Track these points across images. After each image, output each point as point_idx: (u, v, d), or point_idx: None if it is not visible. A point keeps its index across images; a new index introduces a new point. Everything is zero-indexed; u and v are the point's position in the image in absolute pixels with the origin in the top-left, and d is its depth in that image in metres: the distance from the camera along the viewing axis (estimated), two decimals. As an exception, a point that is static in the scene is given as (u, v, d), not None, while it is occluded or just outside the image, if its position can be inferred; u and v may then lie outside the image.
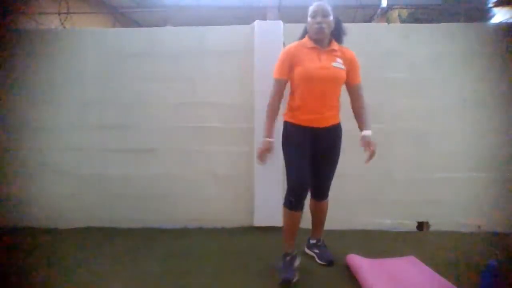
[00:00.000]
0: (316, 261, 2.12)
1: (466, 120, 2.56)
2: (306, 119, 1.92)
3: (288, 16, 2.71)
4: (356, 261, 1.99)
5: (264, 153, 1.94)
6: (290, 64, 1.90)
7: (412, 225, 2.63)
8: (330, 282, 1.90)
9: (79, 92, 2.66)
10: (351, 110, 2.09)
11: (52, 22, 3.18)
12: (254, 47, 2.54)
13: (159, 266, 2.09)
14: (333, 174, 2.07)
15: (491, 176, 2.56)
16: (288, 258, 1.94)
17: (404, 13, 5.25)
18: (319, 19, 1.84)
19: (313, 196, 2.12)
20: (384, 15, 5.82)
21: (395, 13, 5.36)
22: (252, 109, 2.57)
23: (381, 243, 2.40)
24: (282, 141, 2.01)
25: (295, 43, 1.96)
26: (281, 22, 2.57)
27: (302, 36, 1.99)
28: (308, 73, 1.86)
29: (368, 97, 2.55)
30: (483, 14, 4.50)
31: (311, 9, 1.88)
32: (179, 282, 1.91)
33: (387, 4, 5.41)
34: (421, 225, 2.63)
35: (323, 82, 1.87)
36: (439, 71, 2.54)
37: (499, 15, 4.38)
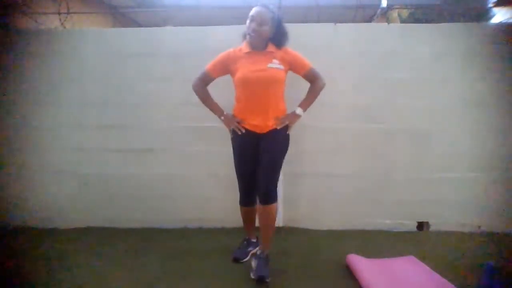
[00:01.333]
0: (249, 274, 1.95)
1: (466, 120, 2.56)
2: (250, 124, 1.99)
3: (288, 16, 2.70)
4: (356, 261, 1.99)
5: (234, 127, 2.01)
6: (224, 65, 1.99)
7: (412, 225, 2.63)
8: (330, 282, 1.90)
9: (79, 92, 2.66)
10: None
11: (52, 22, 3.18)
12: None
13: (159, 266, 2.09)
14: (274, 172, 1.98)
15: (491, 176, 2.56)
16: (244, 242, 2.25)
17: (404, 13, 5.25)
18: (253, 26, 1.87)
19: (259, 200, 1.99)
20: (384, 15, 5.82)
21: (395, 13, 5.35)
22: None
23: (381, 243, 2.40)
24: (232, 143, 2.11)
25: (234, 48, 2.01)
26: (281, 22, 2.57)
27: (243, 37, 2.02)
28: (244, 77, 1.92)
29: (368, 97, 2.57)
30: (483, 14, 4.50)
31: (250, 13, 1.90)
32: (179, 282, 1.91)
33: (387, 4, 5.40)
34: (421, 225, 2.63)
35: (260, 84, 1.91)
36: (439, 71, 2.54)
37: (499, 15, 4.38)
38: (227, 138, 2.64)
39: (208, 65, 2.04)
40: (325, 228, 2.61)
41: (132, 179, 2.69)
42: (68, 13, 2.83)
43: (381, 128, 2.59)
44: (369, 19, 6.33)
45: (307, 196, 2.65)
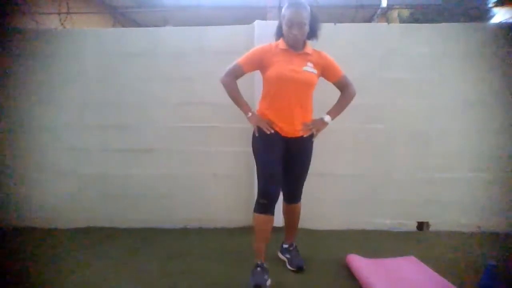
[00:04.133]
0: (287, 267, 2.07)
1: (466, 120, 2.56)
2: (277, 126, 1.89)
3: (288, 16, 2.70)
4: (356, 261, 1.99)
5: (263, 126, 1.88)
6: (259, 60, 1.89)
7: (412, 225, 2.63)
8: (330, 282, 1.90)
9: (79, 92, 2.66)
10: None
11: (52, 22, 3.18)
12: (254, 47, 2.54)
13: (159, 266, 2.09)
14: (304, 179, 2.03)
15: (491, 176, 2.56)
16: (258, 268, 1.87)
17: (405, 13, 5.25)
18: (294, 32, 1.79)
19: (284, 199, 2.09)
20: (384, 15, 5.82)
21: (395, 13, 5.36)
22: (252, 109, 2.56)
23: (381, 243, 2.40)
24: (253, 142, 1.97)
25: (271, 43, 1.94)
26: (281, 22, 2.57)
27: (277, 34, 1.95)
28: (279, 75, 1.83)
29: (368, 97, 2.57)
30: (483, 14, 4.50)
31: (287, 16, 1.79)
32: (179, 282, 1.91)
33: (387, 4, 5.40)
34: (421, 225, 2.63)
35: (294, 84, 1.83)
36: (439, 71, 2.54)
37: (499, 15, 4.38)
38: (227, 138, 2.65)
39: (241, 58, 1.92)
40: (325, 228, 2.61)
41: (132, 179, 2.69)
42: (68, 13, 2.83)
43: (381, 128, 2.59)
44: (369, 19, 6.34)
45: (307, 196, 2.63)
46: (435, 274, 1.86)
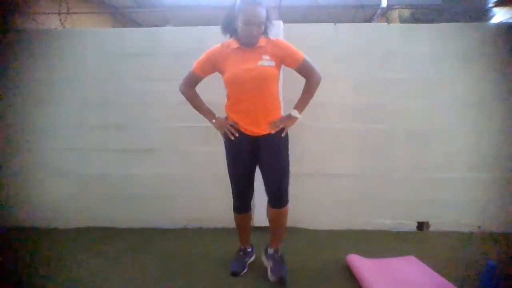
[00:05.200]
0: (267, 274, 1.93)
1: (466, 120, 2.56)
2: (243, 127, 1.85)
3: (288, 16, 2.70)
4: (356, 261, 1.99)
5: (227, 130, 1.86)
6: (212, 64, 1.85)
7: (412, 225, 2.63)
8: (330, 282, 1.90)
9: (79, 92, 2.66)
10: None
11: (52, 22, 3.18)
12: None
13: (159, 266, 2.09)
14: (283, 178, 1.87)
15: (491, 176, 2.56)
16: (240, 252, 2.11)
17: (405, 13, 5.25)
18: (252, 31, 1.71)
19: (268, 202, 1.93)
20: (384, 15, 5.82)
21: (395, 13, 5.36)
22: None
23: (381, 243, 2.40)
24: (225, 146, 1.95)
25: (223, 43, 1.86)
26: (281, 22, 2.57)
27: (226, 29, 1.85)
28: (233, 77, 1.77)
29: (368, 97, 2.57)
30: (483, 14, 4.50)
31: (245, 14, 1.69)
32: (179, 282, 1.91)
33: (387, 4, 5.41)
34: (421, 225, 2.63)
35: (250, 83, 1.76)
36: (439, 71, 2.54)
37: (499, 15, 4.38)
38: (227, 138, 2.65)
39: (194, 64, 1.90)
40: (325, 228, 2.61)
41: (132, 179, 2.69)
42: (68, 13, 2.83)
43: (381, 128, 2.59)
44: (369, 19, 6.34)
45: (307, 196, 2.65)
46: (435, 274, 1.86)
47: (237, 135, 1.85)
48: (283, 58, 1.82)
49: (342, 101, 2.56)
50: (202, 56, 1.89)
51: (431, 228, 2.62)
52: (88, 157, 2.69)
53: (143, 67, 2.63)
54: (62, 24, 2.86)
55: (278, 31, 2.55)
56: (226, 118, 1.93)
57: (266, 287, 1.87)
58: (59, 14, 2.83)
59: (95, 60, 2.65)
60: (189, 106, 2.63)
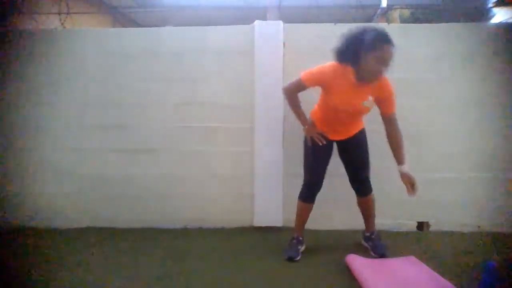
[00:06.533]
0: (370, 254, 2.18)
1: (466, 120, 2.56)
2: (329, 135, 2.08)
3: (288, 16, 2.71)
4: (356, 261, 1.99)
5: (316, 137, 2.04)
6: (322, 82, 1.94)
7: (412, 225, 2.63)
8: (330, 282, 1.90)
9: (79, 92, 2.66)
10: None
11: (52, 22, 3.18)
12: (254, 47, 2.54)
13: (159, 266, 2.09)
14: (365, 168, 2.16)
15: (491, 176, 2.56)
16: (294, 240, 2.20)
17: (405, 13, 5.26)
18: (382, 69, 1.76)
19: (356, 193, 2.22)
20: (384, 15, 5.82)
21: (395, 13, 5.36)
22: (252, 109, 2.57)
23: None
24: (305, 142, 2.14)
25: (337, 66, 1.87)
26: (281, 22, 2.57)
27: (344, 58, 1.83)
28: (338, 106, 1.93)
29: (368, 97, 2.56)
30: (483, 14, 4.50)
31: (383, 52, 1.73)
32: (179, 282, 1.91)
33: (387, 4, 5.41)
34: (421, 225, 2.63)
35: (350, 114, 1.98)
36: (439, 71, 2.54)
37: (499, 15, 4.38)
38: (227, 138, 2.65)
39: (306, 74, 1.94)
40: (325, 228, 2.61)
41: (132, 179, 2.69)
42: (68, 13, 2.84)
43: (381, 128, 2.58)
44: (369, 19, 6.34)
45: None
46: (435, 274, 1.86)
47: (324, 142, 2.04)
48: (381, 101, 1.95)
49: (342, 101, 2.55)
50: (315, 71, 1.94)
51: (431, 228, 2.62)
52: (88, 157, 2.69)
53: (143, 67, 2.63)
54: (62, 24, 2.87)
55: (278, 31, 2.55)
56: (313, 123, 2.09)
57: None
58: (59, 14, 2.84)
59: (95, 60, 2.65)
60: (188, 106, 2.65)
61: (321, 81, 1.93)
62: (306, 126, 2.09)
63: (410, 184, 1.94)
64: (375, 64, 1.73)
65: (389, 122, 2.00)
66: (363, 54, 1.75)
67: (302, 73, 1.96)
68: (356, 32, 1.78)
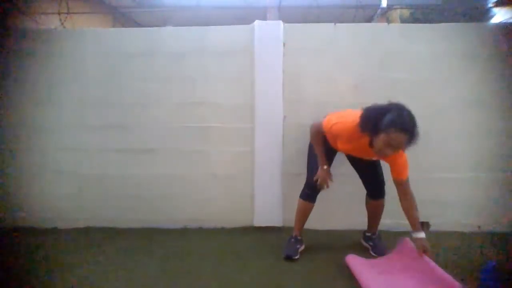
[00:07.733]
0: (370, 253, 2.21)
1: (466, 120, 2.56)
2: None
3: (288, 16, 2.71)
4: (356, 261, 1.99)
5: (324, 180, 2.10)
6: (338, 138, 2.02)
7: (412, 225, 2.63)
8: (330, 282, 1.90)
9: (79, 92, 2.66)
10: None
11: (52, 22, 3.18)
12: (254, 47, 2.54)
13: (159, 266, 2.09)
14: (378, 172, 2.17)
15: (491, 176, 2.56)
16: (292, 239, 2.21)
17: (405, 13, 5.26)
18: (389, 153, 1.77)
19: (368, 195, 2.25)
20: (384, 15, 5.83)
21: (395, 13, 5.36)
22: (252, 109, 2.57)
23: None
24: (310, 147, 2.19)
25: (356, 126, 1.83)
26: (281, 22, 2.57)
27: (365, 127, 1.81)
28: (345, 152, 2.12)
29: (368, 97, 2.55)
30: (483, 14, 4.50)
31: (390, 137, 1.71)
32: (179, 282, 1.91)
33: (387, 4, 5.41)
34: (421, 225, 2.62)
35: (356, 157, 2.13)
36: (439, 71, 2.54)
37: (499, 15, 4.38)
38: (227, 138, 2.65)
39: (327, 123, 1.99)
40: (325, 228, 2.61)
41: (132, 179, 2.69)
42: (68, 13, 2.83)
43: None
44: (369, 19, 6.34)
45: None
46: (438, 268, 1.79)
47: (329, 187, 2.14)
48: (393, 165, 1.94)
49: (342, 101, 2.55)
50: (335, 126, 1.95)
51: (431, 228, 2.62)
52: (88, 157, 2.69)
53: (143, 67, 2.63)
54: (62, 24, 2.86)
55: (278, 31, 2.55)
56: (327, 170, 2.12)
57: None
58: (59, 14, 2.83)
59: (95, 60, 2.65)
60: (188, 106, 2.65)
61: (338, 136, 2.00)
62: (325, 167, 2.10)
63: (423, 251, 1.88)
64: (382, 145, 1.75)
65: (401, 186, 1.99)
66: (377, 131, 1.76)
67: (324, 121, 2.01)
68: (382, 107, 1.80)
